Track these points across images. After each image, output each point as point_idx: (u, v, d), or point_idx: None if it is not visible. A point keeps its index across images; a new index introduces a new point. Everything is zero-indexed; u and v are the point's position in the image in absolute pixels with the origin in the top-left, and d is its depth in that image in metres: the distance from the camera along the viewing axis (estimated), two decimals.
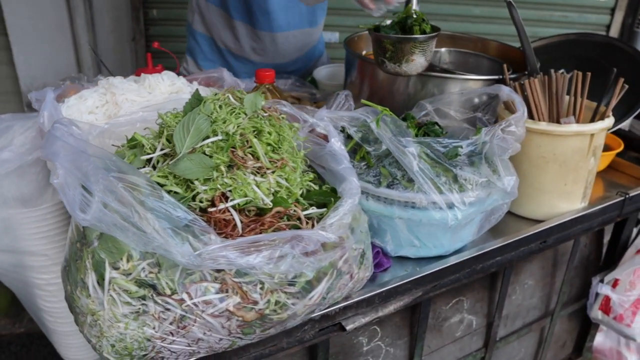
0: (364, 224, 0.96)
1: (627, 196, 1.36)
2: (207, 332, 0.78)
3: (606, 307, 1.50)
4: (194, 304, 0.75)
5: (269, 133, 0.89)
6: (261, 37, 1.66)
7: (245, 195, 0.82)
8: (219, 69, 1.33)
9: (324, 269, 0.82)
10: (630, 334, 1.49)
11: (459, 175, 0.97)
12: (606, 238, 1.65)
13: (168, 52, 1.55)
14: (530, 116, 1.26)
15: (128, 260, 0.76)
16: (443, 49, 1.58)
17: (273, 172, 0.87)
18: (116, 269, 0.76)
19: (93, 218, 0.75)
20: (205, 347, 0.80)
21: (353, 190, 0.89)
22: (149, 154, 0.88)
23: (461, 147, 0.99)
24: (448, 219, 0.99)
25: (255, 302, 0.77)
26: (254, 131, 0.89)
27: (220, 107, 0.90)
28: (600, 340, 1.71)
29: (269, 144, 0.89)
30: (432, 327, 1.22)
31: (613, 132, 1.58)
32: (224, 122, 0.88)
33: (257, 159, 0.87)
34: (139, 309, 0.76)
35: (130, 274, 0.76)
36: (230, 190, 0.81)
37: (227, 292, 0.76)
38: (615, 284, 1.49)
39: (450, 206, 0.98)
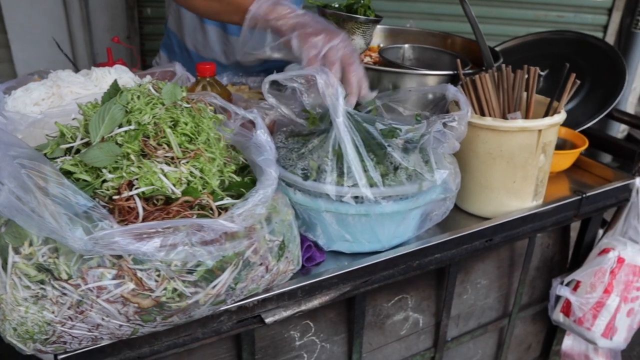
0: (286, 216, 0.96)
1: (583, 196, 1.33)
2: (105, 317, 0.79)
3: (567, 309, 1.47)
4: (89, 289, 0.76)
5: (185, 123, 0.90)
6: (232, 42, 1.67)
7: (152, 184, 0.83)
8: (173, 63, 1.35)
9: (227, 258, 0.82)
10: (591, 338, 1.46)
11: (388, 157, 0.97)
12: None
13: (129, 47, 1.58)
14: (482, 112, 1.24)
15: (30, 245, 0.78)
16: (406, 45, 1.57)
17: (187, 162, 0.88)
18: (18, 253, 0.78)
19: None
20: (107, 333, 0.81)
21: (268, 181, 0.89)
22: (70, 143, 0.90)
23: (400, 130, 0.99)
24: (372, 213, 0.98)
25: (151, 290, 0.78)
26: (171, 121, 0.90)
27: (138, 97, 0.91)
28: (569, 343, 1.67)
29: (185, 134, 0.90)
30: (372, 324, 1.21)
31: (581, 131, 1.55)
32: (140, 112, 0.89)
33: (172, 148, 0.88)
34: (38, 293, 0.77)
35: (31, 258, 0.78)
36: (137, 179, 0.83)
37: (122, 278, 0.77)
38: (576, 286, 1.46)
39: (377, 201, 0.97)
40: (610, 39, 3.06)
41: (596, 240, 1.52)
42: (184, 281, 0.79)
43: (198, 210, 0.86)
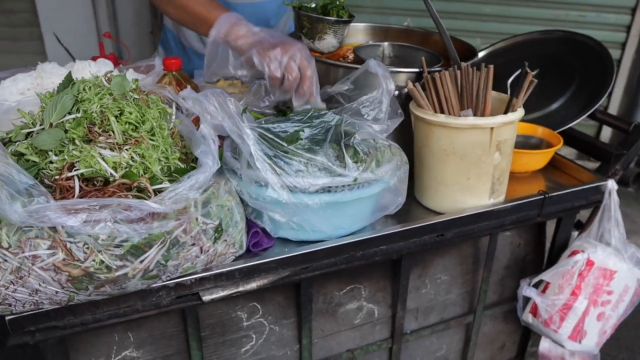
0: (226, 202, 1.03)
1: (545, 195, 1.32)
2: (42, 283, 0.88)
3: (536, 310, 1.47)
4: (25, 257, 0.85)
5: (130, 113, 0.98)
6: None
7: (91, 166, 0.91)
8: (154, 57, 1.44)
9: (154, 236, 0.90)
10: (558, 340, 1.45)
11: (296, 159, 1.01)
12: None
13: (119, 41, 1.68)
14: (441, 109, 1.27)
15: None
16: (385, 43, 1.60)
17: (129, 148, 0.96)
18: None
19: None
20: (46, 298, 0.90)
21: (203, 169, 0.96)
22: (30, 128, 1.00)
23: (302, 131, 1.03)
24: (301, 204, 1.03)
25: (80, 260, 0.86)
26: (118, 111, 0.98)
27: (89, 88, 1.00)
28: (546, 346, 1.66)
29: (129, 123, 0.98)
30: (324, 312, 1.26)
31: (561, 132, 1.54)
32: (89, 102, 0.98)
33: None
34: None
35: None
36: (78, 161, 0.91)
37: (55, 249, 0.86)
38: (546, 287, 1.45)
39: (303, 191, 1.02)
40: (634, 40, 2.95)
41: (570, 242, 1.50)
42: (111, 255, 0.87)
43: (137, 192, 0.94)
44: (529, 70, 1.70)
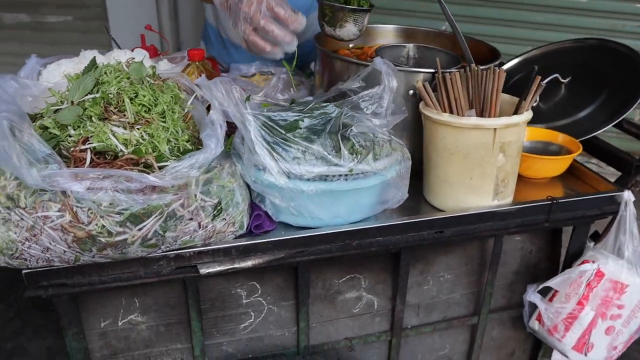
0: (227, 183, 1.10)
1: (553, 201, 1.31)
2: (52, 242, 0.98)
3: (541, 317, 1.45)
4: (38, 217, 0.96)
5: (144, 96, 1.08)
6: None
7: (103, 141, 1.01)
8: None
9: (152, 207, 0.98)
10: (562, 350, 1.43)
11: (298, 146, 1.07)
12: None
13: (159, 33, 1.80)
14: (450, 109, 1.28)
15: (5, 180, 1.00)
16: (410, 45, 1.62)
17: (139, 128, 1.05)
18: None
19: None
20: (56, 256, 1.01)
21: (204, 150, 1.04)
22: (58, 106, 1.12)
23: (302, 120, 1.09)
24: (296, 190, 1.09)
25: (84, 223, 0.96)
26: (133, 94, 1.08)
27: (110, 72, 1.10)
28: (558, 358, 1.62)
29: (143, 105, 1.08)
30: (322, 297, 1.31)
31: (584, 140, 1.50)
32: (108, 84, 1.08)
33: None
34: (5, 216, 0.98)
35: (5, 189, 0.99)
36: (92, 136, 1.02)
37: (64, 211, 0.96)
38: (554, 295, 1.43)
39: (299, 177, 1.08)
40: None
41: (585, 252, 1.47)
42: (112, 220, 0.97)
43: (144, 168, 1.03)
44: (559, 76, 1.69)
